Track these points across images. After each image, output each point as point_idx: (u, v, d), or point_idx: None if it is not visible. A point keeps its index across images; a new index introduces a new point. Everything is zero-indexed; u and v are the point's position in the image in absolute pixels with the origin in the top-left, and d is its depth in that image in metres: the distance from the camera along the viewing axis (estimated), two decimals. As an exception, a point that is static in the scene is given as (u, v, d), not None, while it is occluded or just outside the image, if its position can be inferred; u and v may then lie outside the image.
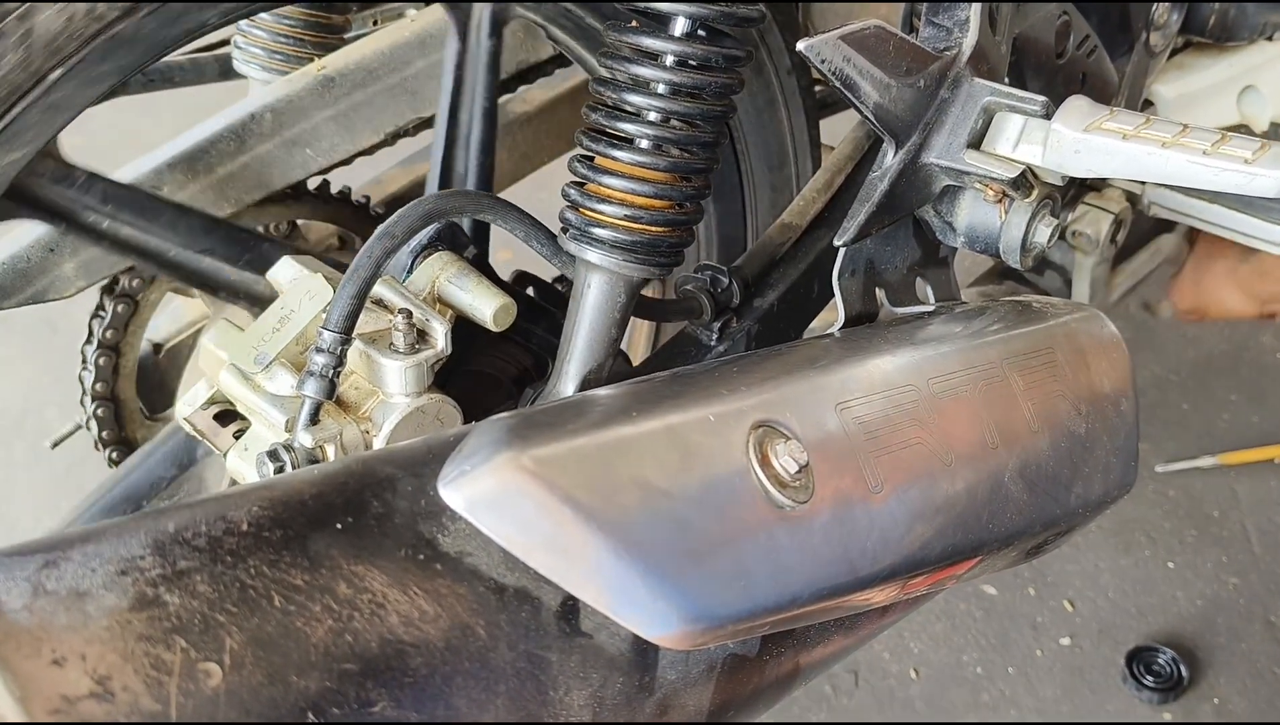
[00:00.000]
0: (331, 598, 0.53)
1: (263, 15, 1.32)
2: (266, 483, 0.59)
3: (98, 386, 1.25)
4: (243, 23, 1.34)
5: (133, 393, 1.28)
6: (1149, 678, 1.77)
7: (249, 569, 0.52)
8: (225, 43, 1.44)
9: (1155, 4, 1.43)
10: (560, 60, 1.42)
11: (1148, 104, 1.64)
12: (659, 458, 0.65)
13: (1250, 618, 1.87)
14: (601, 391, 0.76)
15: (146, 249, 1.09)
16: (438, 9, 1.33)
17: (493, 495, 0.60)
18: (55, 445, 1.42)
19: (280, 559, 0.54)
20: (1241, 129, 1.72)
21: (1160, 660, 1.79)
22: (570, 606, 0.63)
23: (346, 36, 1.37)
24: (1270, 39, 1.66)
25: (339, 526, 0.57)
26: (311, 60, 1.29)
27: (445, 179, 1.16)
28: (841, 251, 1.02)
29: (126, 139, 2.46)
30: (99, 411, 1.25)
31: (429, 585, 0.57)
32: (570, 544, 0.60)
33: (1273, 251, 1.46)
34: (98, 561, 0.51)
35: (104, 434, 1.27)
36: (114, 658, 0.47)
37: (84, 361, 1.25)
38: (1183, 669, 1.78)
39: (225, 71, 1.44)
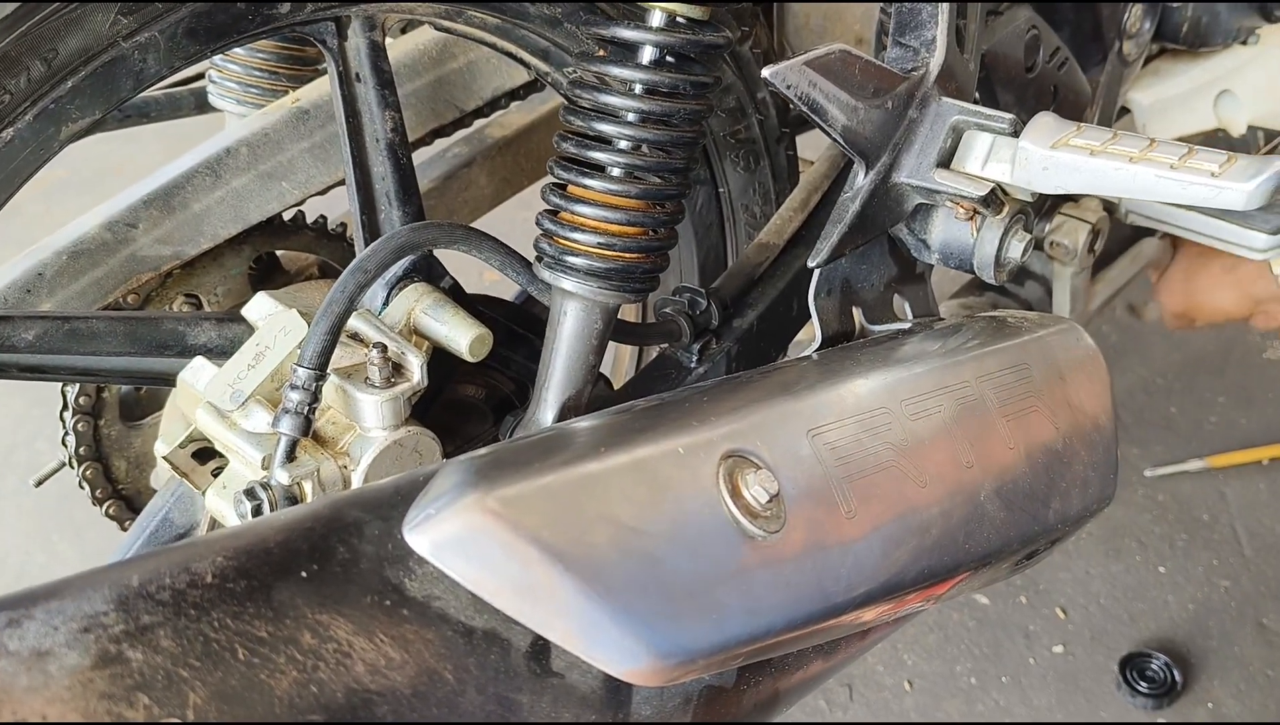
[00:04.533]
0: (296, 648, 0.53)
1: (236, 50, 1.32)
2: (233, 531, 0.59)
3: (81, 450, 1.24)
4: (217, 57, 1.34)
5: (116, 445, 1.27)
6: (1143, 683, 1.77)
7: (213, 622, 0.52)
8: (201, 76, 1.44)
9: (1127, 13, 1.43)
10: (534, 85, 1.43)
11: (1124, 111, 1.64)
12: (627, 493, 0.65)
13: (1242, 620, 1.88)
14: (571, 425, 0.76)
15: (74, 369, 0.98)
16: (416, 36, 1.34)
17: (458, 538, 0.60)
18: (39, 483, 1.42)
19: (244, 611, 0.54)
20: (1219, 133, 1.73)
21: (1153, 666, 1.79)
22: (540, 646, 0.63)
23: (320, 68, 1.37)
24: (1244, 43, 1.66)
25: (304, 575, 0.57)
26: (286, 92, 1.29)
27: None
28: (816, 272, 1.02)
29: (111, 170, 2.47)
30: (88, 473, 1.25)
31: (395, 631, 0.57)
32: (538, 585, 0.60)
33: (1252, 257, 1.47)
34: (60, 619, 0.51)
35: (97, 492, 1.26)
36: (75, 717, 0.47)
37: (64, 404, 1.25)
38: (1176, 674, 1.78)
39: (201, 105, 1.44)
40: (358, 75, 1.04)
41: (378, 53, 1.04)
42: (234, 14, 0.91)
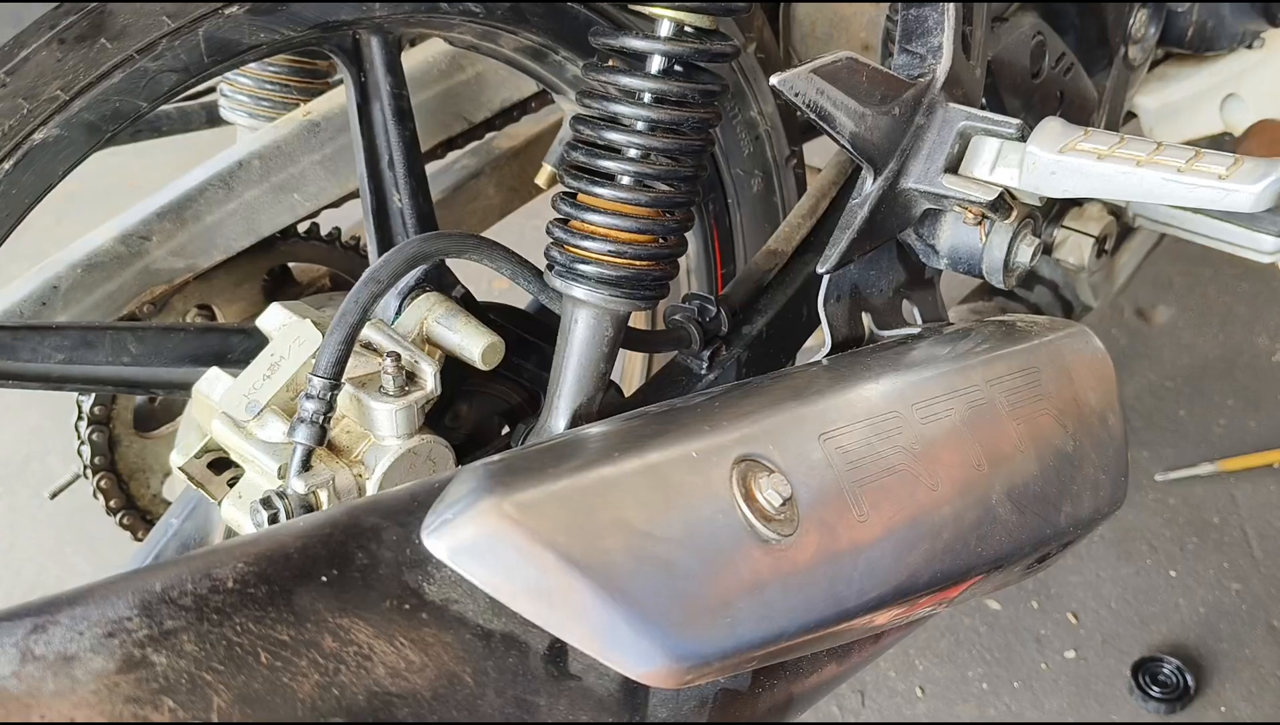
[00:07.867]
0: (317, 652, 0.54)
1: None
2: (252, 538, 0.60)
3: (97, 460, 1.25)
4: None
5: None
6: (1155, 688, 1.77)
7: (235, 626, 0.53)
8: (212, 90, 1.45)
9: (1132, 18, 1.44)
10: (542, 96, 1.44)
11: (1130, 116, 1.65)
12: (641, 498, 0.66)
13: (1253, 623, 1.87)
14: (585, 430, 0.77)
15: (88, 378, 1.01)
16: (426, 48, 1.35)
17: (476, 542, 0.60)
18: (54, 495, 1.43)
19: (266, 615, 0.54)
20: (1226, 137, 1.73)
21: (1165, 670, 1.79)
22: (557, 649, 0.64)
23: (331, 81, 1.38)
24: (1249, 47, 1.67)
25: (324, 579, 0.57)
26: (297, 105, 1.30)
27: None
28: (825, 278, 1.03)
29: (122, 183, 2.48)
30: (102, 483, 1.25)
31: (415, 635, 0.58)
32: (555, 588, 0.60)
33: (1260, 260, 1.47)
34: (85, 624, 0.51)
35: (111, 503, 1.27)
36: (101, 720, 0.48)
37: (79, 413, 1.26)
38: (1188, 678, 1.77)
39: (212, 119, 1.45)
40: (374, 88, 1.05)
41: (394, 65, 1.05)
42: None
